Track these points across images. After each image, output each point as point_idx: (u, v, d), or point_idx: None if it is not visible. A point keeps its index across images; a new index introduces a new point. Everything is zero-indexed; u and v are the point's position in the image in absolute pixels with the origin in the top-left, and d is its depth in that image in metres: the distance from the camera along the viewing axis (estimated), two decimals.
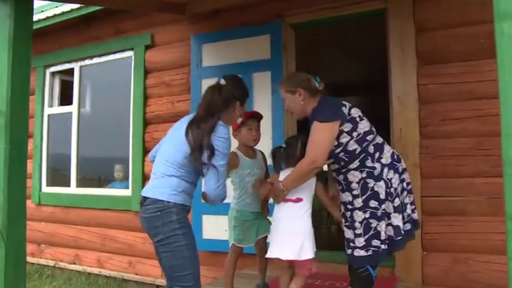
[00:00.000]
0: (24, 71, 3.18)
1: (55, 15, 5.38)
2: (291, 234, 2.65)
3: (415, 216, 2.67)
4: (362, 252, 2.57)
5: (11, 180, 2.95)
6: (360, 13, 3.88)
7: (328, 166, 2.76)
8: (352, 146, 2.55)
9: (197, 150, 2.28)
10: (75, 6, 5.13)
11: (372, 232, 2.55)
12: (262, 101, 4.04)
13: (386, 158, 2.59)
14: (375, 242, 2.54)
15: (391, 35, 3.68)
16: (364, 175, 2.58)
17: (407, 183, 2.64)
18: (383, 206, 2.53)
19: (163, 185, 2.34)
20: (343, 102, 2.65)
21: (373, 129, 2.65)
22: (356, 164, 2.58)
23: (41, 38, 5.45)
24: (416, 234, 3.12)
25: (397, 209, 2.55)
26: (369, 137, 2.59)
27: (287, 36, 4.12)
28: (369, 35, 5.50)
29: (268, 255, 2.73)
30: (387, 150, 2.64)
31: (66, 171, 5.56)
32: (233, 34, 4.22)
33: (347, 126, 2.56)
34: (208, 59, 4.30)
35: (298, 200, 2.69)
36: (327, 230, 7.45)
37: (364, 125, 2.60)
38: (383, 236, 2.53)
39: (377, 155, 2.59)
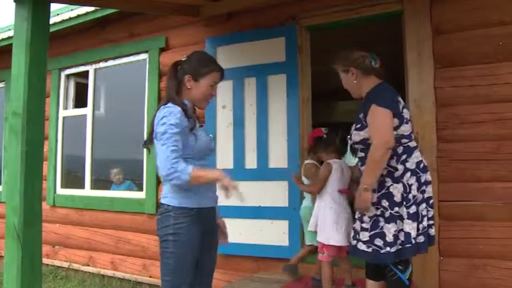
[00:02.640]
0: (41, 73, 3.20)
1: (70, 18, 5.40)
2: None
3: (432, 232, 2.60)
4: (364, 247, 2.57)
5: (27, 182, 2.97)
6: (376, 15, 3.85)
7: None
8: None
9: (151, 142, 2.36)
10: (91, 9, 5.16)
11: (377, 230, 2.53)
12: (277, 103, 4.03)
13: (411, 163, 2.56)
14: (378, 241, 2.52)
15: (407, 38, 3.65)
16: (384, 172, 2.54)
17: (429, 197, 2.58)
18: (395, 209, 2.50)
19: (164, 188, 2.36)
20: (400, 98, 2.63)
21: (412, 135, 2.64)
22: None
23: (57, 41, 5.49)
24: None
25: (411, 216, 2.49)
26: (403, 140, 2.58)
27: (302, 39, 4.10)
28: (384, 38, 5.47)
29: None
30: (416, 156, 2.59)
31: (81, 173, 5.59)
32: (248, 36, 4.21)
33: (395, 122, 2.54)
34: (223, 62, 4.20)
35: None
36: None
37: (406, 128, 2.59)
38: (389, 239, 2.49)
39: (404, 157, 2.56)
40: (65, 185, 5.75)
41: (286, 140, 3.96)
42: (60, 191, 5.72)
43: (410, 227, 2.48)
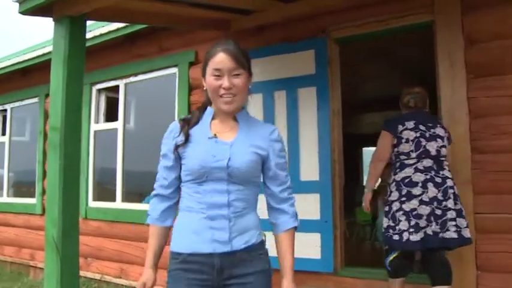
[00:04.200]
0: (78, 89, 3.31)
1: (101, 35, 5.53)
2: None
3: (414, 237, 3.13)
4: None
5: (65, 195, 3.05)
6: (406, 26, 3.84)
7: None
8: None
9: None
10: (121, 25, 5.27)
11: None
12: (307, 116, 4.04)
13: (399, 176, 3.27)
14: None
15: (439, 48, 3.62)
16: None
17: (412, 209, 3.15)
18: (386, 207, 3.37)
19: None
20: (406, 123, 3.32)
21: (412, 153, 3.25)
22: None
23: (88, 56, 5.53)
24: (470, 252, 3.10)
25: (388, 215, 3.30)
26: (401, 157, 3.31)
27: (332, 51, 4.12)
28: (414, 48, 5.45)
29: None
30: (405, 171, 3.24)
31: (112, 185, 5.67)
32: (278, 50, 4.24)
33: (393, 141, 3.36)
34: (253, 75, 4.31)
35: None
36: (370, 245, 7.34)
37: (405, 147, 3.28)
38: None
39: (397, 170, 3.32)
40: (97, 197, 5.85)
41: (317, 152, 3.96)
42: (92, 203, 5.82)
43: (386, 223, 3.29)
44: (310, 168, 3.99)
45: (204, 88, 1.90)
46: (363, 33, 4.02)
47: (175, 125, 1.95)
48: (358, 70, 6.34)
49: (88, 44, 5.46)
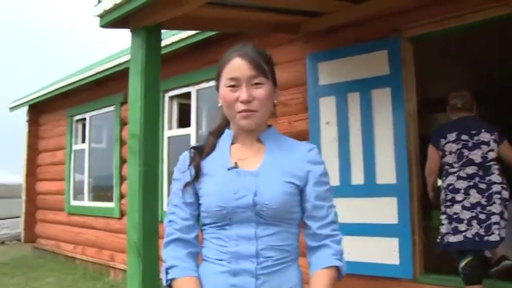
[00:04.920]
0: (155, 96, 3.40)
1: (173, 43, 5.67)
2: None
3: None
4: None
5: (145, 200, 3.13)
6: (483, 21, 3.64)
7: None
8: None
9: None
10: (192, 33, 5.38)
11: None
12: (382, 118, 3.93)
13: (445, 183, 3.52)
14: None
15: None
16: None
17: (455, 213, 3.38)
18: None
19: None
20: (449, 135, 3.56)
21: (454, 164, 3.49)
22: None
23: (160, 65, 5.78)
24: None
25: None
26: (446, 167, 3.57)
27: (405, 50, 3.98)
28: (487, 44, 5.21)
29: None
30: (449, 179, 3.49)
31: None
32: (349, 51, 4.16)
33: (439, 153, 3.64)
34: (325, 77, 4.27)
35: None
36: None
37: (448, 159, 3.54)
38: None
39: (444, 178, 3.59)
40: None
41: (394, 154, 3.84)
42: (166, 208, 5.96)
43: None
44: (386, 171, 3.88)
45: (219, 105, 1.54)
46: (438, 30, 3.85)
47: (185, 156, 1.57)
48: (428, 69, 6.13)
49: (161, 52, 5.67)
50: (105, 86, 7.34)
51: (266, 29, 4.40)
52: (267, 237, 1.41)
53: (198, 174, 1.49)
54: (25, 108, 9.53)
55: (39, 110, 9.41)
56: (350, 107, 4.11)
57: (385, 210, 3.83)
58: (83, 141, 8.13)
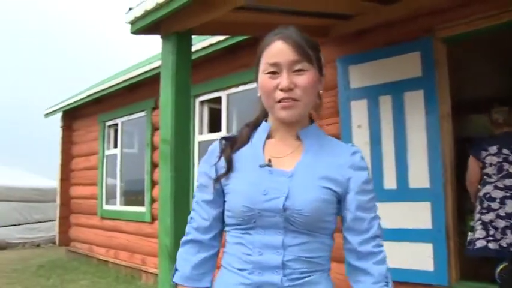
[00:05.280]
0: (186, 102, 3.42)
1: (203, 48, 5.71)
2: None
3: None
4: None
5: (177, 205, 3.15)
6: None
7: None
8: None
9: None
10: (222, 38, 5.40)
11: None
12: (415, 121, 3.86)
13: (481, 192, 3.66)
14: None
15: None
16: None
17: (491, 220, 3.48)
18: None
19: None
20: (489, 148, 3.68)
21: (493, 176, 3.60)
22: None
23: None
24: None
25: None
26: (485, 177, 3.68)
27: (438, 52, 3.90)
28: None
29: None
30: (486, 188, 3.62)
31: None
32: (380, 53, 4.11)
33: (479, 164, 3.75)
34: (356, 81, 4.23)
35: None
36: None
37: (488, 170, 3.66)
38: None
39: (480, 187, 3.70)
40: None
41: (427, 158, 3.76)
42: None
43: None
44: (419, 175, 3.80)
45: (258, 95, 1.38)
46: (472, 30, 3.76)
47: (215, 147, 1.42)
48: (463, 69, 6.00)
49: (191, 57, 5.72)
50: (136, 91, 7.44)
51: None
52: (296, 247, 1.25)
53: (229, 168, 1.34)
54: (59, 115, 9.75)
55: (73, 116, 9.61)
56: (382, 110, 4.06)
57: (419, 214, 3.76)
58: (115, 146, 8.25)
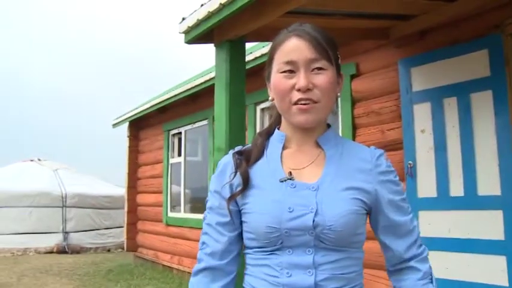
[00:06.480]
0: (240, 110, 3.39)
1: (262, 55, 5.68)
2: None
3: None
4: None
5: None
6: None
7: None
8: None
9: None
10: None
11: None
12: (483, 123, 3.61)
13: None
14: None
15: None
16: None
17: None
18: None
19: None
20: None
21: None
22: None
23: (251, 77, 5.77)
24: None
25: None
26: None
27: (508, 48, 3.63)
28: None
29: None
30: None
31: None
32: (444, 53, 3.89)
33: None
34: (418, 83, 4.03)
35: None
36: None
37: None
38: None
39: None
40: None
41: (498, 163, 3.50)
42: None
43: None
44: (489, 182, 3.55)
45: (270, 99, 1.25)
46: None
47: (228, 162, 1.28)
48: None
49: (250, 65, 5.70)
50: (198, 100, 7.55)
51: (355, 36, 4.26)
52: (328, 265, 1.13)
53: (246, 185, 1.20)
54: (126, 125, 10.09)
55: (139, 126, 9.92)
56: (447, 114, 3.83)
57: (489, 224, 3.50)
58: (179, 154, 8.42)
